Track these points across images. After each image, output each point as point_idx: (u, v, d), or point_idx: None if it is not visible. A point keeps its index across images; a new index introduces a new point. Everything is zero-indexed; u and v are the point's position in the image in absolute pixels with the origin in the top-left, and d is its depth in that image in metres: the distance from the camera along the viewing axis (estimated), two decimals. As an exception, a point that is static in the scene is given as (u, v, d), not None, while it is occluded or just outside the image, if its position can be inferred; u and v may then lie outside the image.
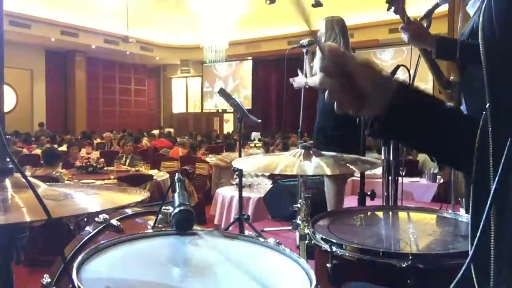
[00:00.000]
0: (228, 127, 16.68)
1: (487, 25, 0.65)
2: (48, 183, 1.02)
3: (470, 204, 0.68)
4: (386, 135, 0.81)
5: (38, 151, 7.90)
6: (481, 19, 0.67)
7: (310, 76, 3.77)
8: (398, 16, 2.05)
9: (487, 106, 0.64)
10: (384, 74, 0.71)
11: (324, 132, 3.51)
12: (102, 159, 5.94)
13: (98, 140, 11.62)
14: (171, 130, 14.98)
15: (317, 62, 3.60)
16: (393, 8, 2.01)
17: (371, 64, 0.70)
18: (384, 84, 0.71)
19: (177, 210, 1.10)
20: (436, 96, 0.85)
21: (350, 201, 3.76)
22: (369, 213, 1.80)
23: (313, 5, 9.66)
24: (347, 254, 1.27)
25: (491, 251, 0.62)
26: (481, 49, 0.65)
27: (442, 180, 5.73)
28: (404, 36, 2.06)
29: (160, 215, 1.26)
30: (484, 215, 0.58)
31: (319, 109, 3.62)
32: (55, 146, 8.87)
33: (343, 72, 0.68)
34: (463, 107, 1.99)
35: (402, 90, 0.72)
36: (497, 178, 0.57)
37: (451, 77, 2.17)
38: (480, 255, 0.61)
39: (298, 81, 3.73)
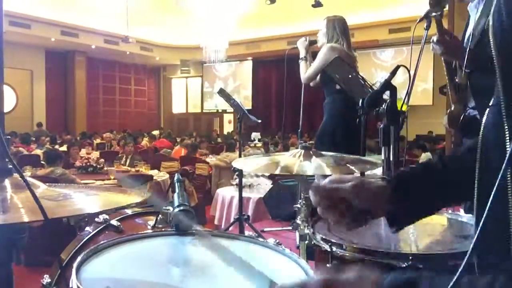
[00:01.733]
0: (231, 128, 16.67)
1: (497, 18, 0.64)
2: (47, 184, 1.02)
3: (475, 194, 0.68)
4: (407, 220, 0.88)
5: (38, 151, 7.90)
6: (491, 15, 0.65)
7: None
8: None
9: (492, 102, 0.64)
10: (374, 186, 0.77)
11: (333, 136, 3.39)
12: (102, 159, 5.95)
13: (98, 140, 11.62)
14: (156, 133, 14.68)
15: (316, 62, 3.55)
16: (436, 14, 1.89)
17: (359, 183, 0.76)
18: (379, 193, 0.77)
19: (176, 210, 1.10)
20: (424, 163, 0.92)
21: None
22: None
23: (313, 5, 9.65)
24: (347, 254, 1.27)
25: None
26: (491, 44, 0.63)
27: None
28: (437, 50, 1.96)
29: (160, 216, 1.26)
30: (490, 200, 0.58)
31: (328, 111, 3.47)
32: (56, 147, 8.87)
33: (337, 201, 0.74)
34: (470, 109, 1.97)
35: (397, 188, 0.78)
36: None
37: (456, 79, 2.14)
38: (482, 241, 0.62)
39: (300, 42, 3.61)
